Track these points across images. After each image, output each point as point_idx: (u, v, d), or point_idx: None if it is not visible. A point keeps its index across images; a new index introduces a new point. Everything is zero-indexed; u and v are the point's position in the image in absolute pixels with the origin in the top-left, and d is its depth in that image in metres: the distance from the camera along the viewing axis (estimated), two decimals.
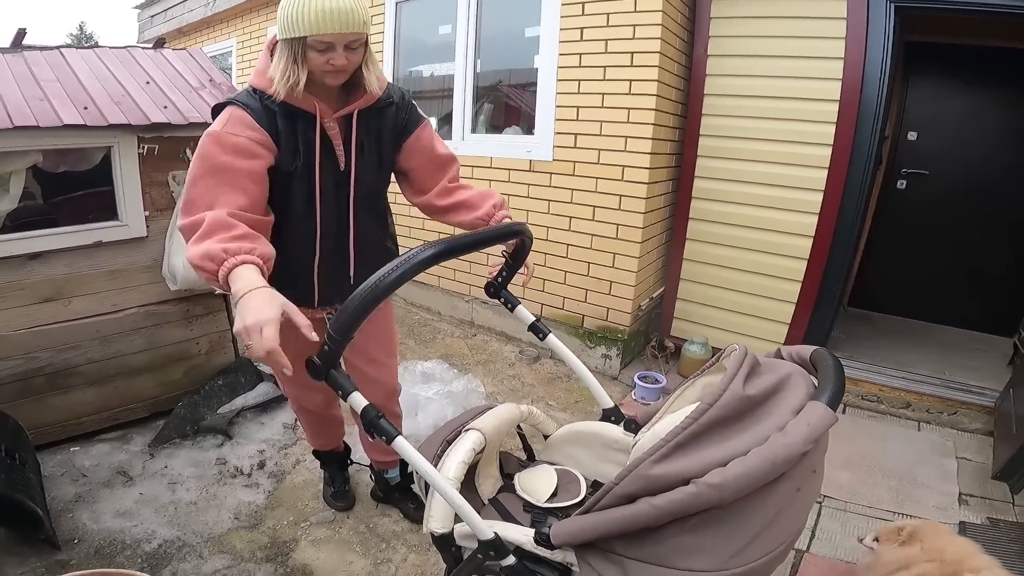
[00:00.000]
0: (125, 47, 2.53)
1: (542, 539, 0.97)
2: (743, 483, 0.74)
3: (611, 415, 1.44)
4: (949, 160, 3.57)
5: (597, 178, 2.99)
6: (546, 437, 1.49)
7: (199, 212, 1.17)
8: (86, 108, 1.96)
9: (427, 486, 1.14)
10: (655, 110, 2.76)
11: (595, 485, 1.42)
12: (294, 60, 1.24)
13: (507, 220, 1.52)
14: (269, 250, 1.18)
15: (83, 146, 2.04)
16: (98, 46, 2.40)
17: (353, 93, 1.39)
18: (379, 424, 0.98)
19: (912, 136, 3.64)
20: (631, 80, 2.78)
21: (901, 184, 3.69)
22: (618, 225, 2.98)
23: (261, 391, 2.67)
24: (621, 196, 2.93)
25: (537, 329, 1.49)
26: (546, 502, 1.30)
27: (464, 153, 3.49)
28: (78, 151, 2.07)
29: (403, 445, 0.99)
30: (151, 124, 2.08)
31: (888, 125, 3.21)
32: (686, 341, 3.16)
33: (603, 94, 2.89)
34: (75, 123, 1.90)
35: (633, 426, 1.36)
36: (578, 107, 2.99)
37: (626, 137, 2.86)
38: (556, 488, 1.33)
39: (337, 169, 1.43)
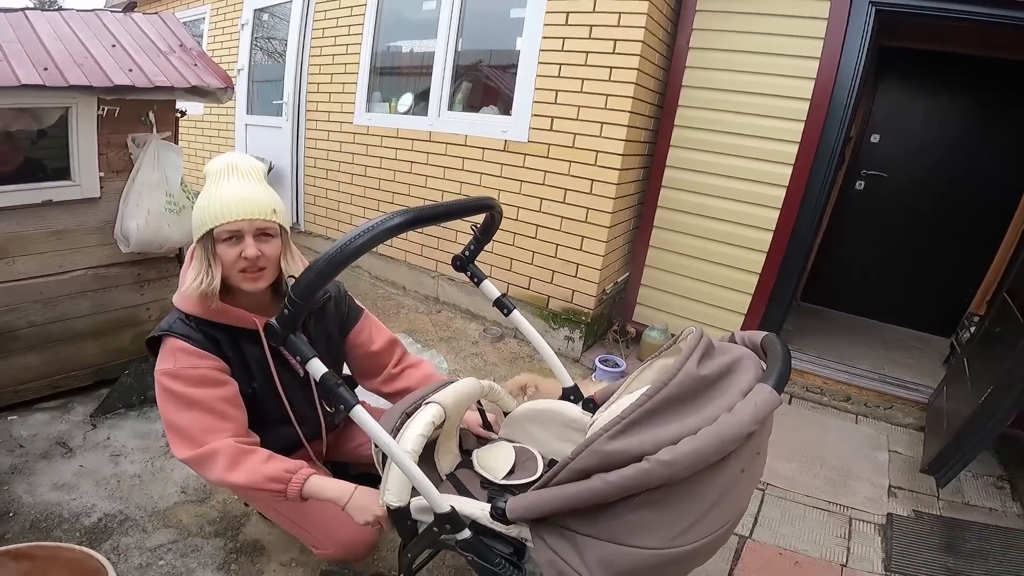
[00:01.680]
0: (92, 10, 2.40)
1: (498, 513, 0.97)
2: (692, 460, 0.76)
3: (570, 394, 1.44)
4: (907, 164, 3.69)
5: (571, 161, 2.99)
6: (506, 414, 1.48)
7: (203, 443, 1.19)
8: (46, 69, 1.86)
9: (384, 458, 1.12)
10: (633, 98, 2.76)
11: (551, 464, 1.41)
12: (206, 260, 1.20)
13: None
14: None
15: (41, 106, 1.95)
16: (63, 9, 2.30)
17: (281, 298, 1.35)
18: (338, 392, 0.96)
19: (875, 139, 3.73)
20: (612, 67, 2.78)
21: (859, 185, 3.79)
22: (588, 209, 2.99)
23: None
24: (593, 180, 2.94)
25: (502, 304, 1.47)
26: (503, 479, 1.29)
27: (439, 130, 3.47)
28: (34, 111, 1.97)
29: (361, 414, 0.98)
30: (114, 86, 1.98)
31: (853, 126, 3.29)
32: (647, 327, 3.21)
33: (583, 79, 2.87)
34: (33, 83, 1.80)
35: (591, 405, 1.36)
36: (557, 91, 2.98)
37: (602, 123, 2.86)
38: (513, 465, 1.33)
39: (297, 376, 1.41)
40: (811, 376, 3.02)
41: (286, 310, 0.89)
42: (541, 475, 1.31)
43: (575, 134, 2.96)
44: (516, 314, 1.48)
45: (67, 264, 2.17)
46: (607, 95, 2.82)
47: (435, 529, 1.04)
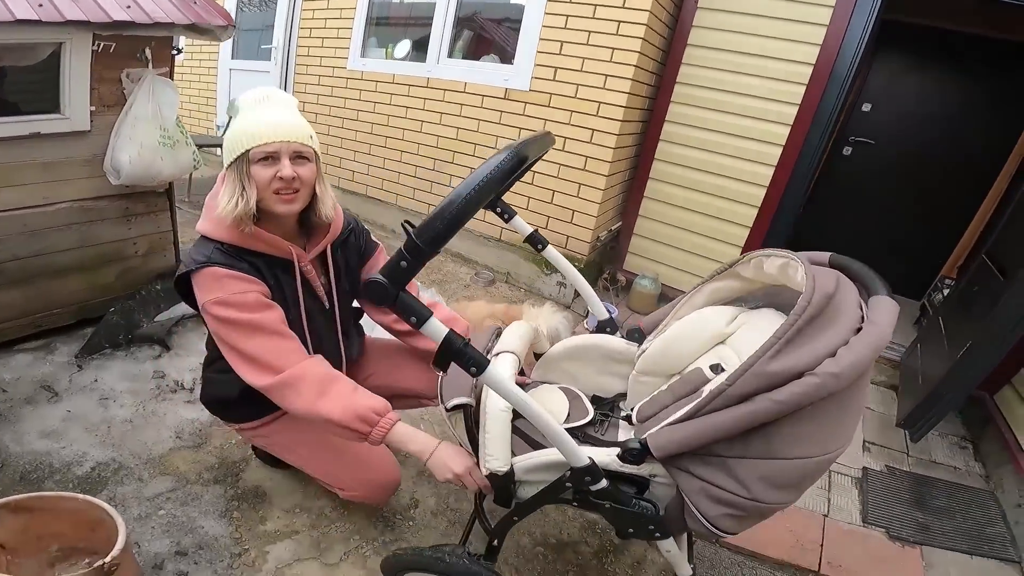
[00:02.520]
0: None
1: (632, 455, 0.94)
2: (855, 370, 0.79)
3: (606, 326, 1.44)
4: (895, 133, 3.76)
5: (572, 111, 2.97)
6: (537, 356, 1.46)
7: (281, 367, 1.15)
8: (41, 5, 1.71)
9: (474, 423, 1.09)
10: (639, 53, 2.75)
11: (595, 400, 1.41)
12: (240, 182, 1.14)
13: None
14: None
15: (35, 41, 1.80)
16: None
17: (316, 229, 1.32)
18: (467, 352, 0.83)
19: (866, 107, 3.78)
20: (620, 21, 2.75)
21: (847, 150, 3.85)
22: (587, 157, 2.99)
23: None
24: (594, 130, 2.93)
25: (535, 240, 1.45)
26: (564, 423, 1.27)
27: (438, 76, 3.37)
28: (26, 45, 1.81)
29: (496, 375, 0.87)
30: (111, 22, 1.84)
31: (849, 94, 3.34)
32: (637, 276, 3.25)
33: (589, 32, 2.85)
34: (28, 18, 1.66)
35: (637, 335, 1.36)
36: (563, 42, 2.95)
37: (606, 75, 2.84)
38: (569, 408, 1.31)
39: (323, 309, 1.38)
40: None
41: (404, 263, 0.73)
42: (596, 414, 1.33)
43: (578, 85, 2.94)
44: (551, 249, 1.46)
45: (52, 196, 2.01)
46: (613, 48, 2.80)
47: (568, 484, 0.99)
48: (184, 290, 1.24)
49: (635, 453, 0.93)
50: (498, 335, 1.28)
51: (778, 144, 2.83)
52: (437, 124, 3.44)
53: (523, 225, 1.45)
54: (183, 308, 2.36)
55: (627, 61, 2.77)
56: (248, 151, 1.12)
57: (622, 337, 1.42)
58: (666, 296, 3.26)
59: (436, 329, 0.80)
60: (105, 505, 1.21)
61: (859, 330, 0.87)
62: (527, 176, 3.14)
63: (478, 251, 3.46)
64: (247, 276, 1.18)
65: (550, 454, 0.99)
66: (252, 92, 1.18)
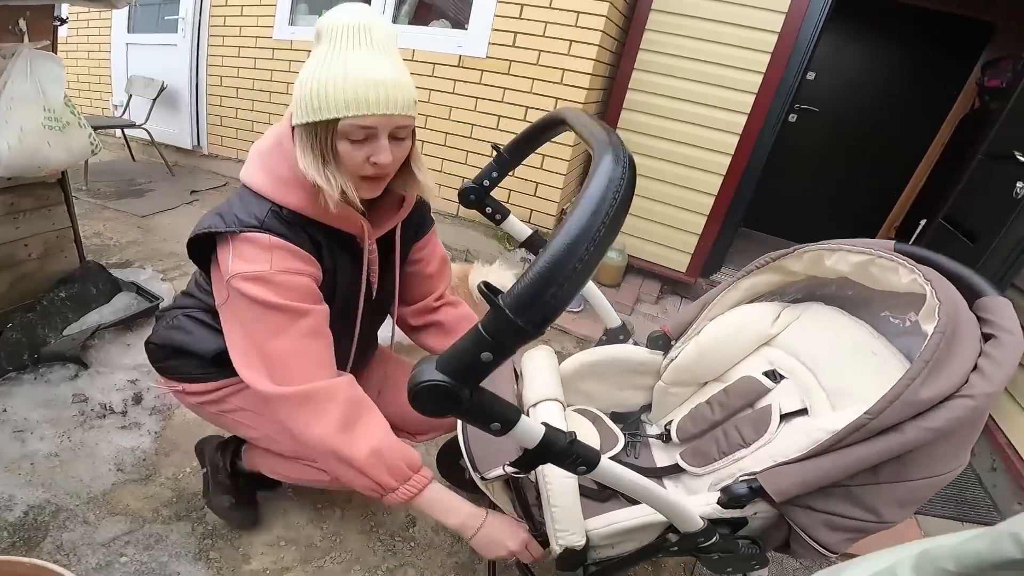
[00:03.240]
0: None
1: (739, 501, 0.80)
2: (1005, 385, 0.73)
3: (619, 335, 1.27)
4: (838, 101, 3.81)
5: (534, 79, 2.74)
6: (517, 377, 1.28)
7: (305, 378, 0.90)
8: None
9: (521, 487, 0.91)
10: (605, 17, 2.55)
11: (614, 416, 1.25)
12: (320, 156, 0.86)
13: None
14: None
15: None
16: None
17: (383, 199, 1.02)
18: (574, 451, 0.60)
19: (811, 76, 3.77)
20: None
21: (792, 117, 3.82)
22: None
23: (121, 304, 2.06)
24: (557, 99, 2.72)
25: (535, 245, 1.24)
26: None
27: None
28: None
29: (613, 470, 0.67)
30: None
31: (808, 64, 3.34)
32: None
33: None
34: None
35: (661, 342, 1.20)
36: (523, 5, 2.68)
37: (571, 41, 2.62)
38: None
39: (369, 298, 1.10)
40: None
41: (486, 353, 0.46)
42: (627, 440, 1.17)
43: (540, 51, 2.70)
44: None
45: None
46: (578, 12, 2.58)
47: (674, 547, 0.84)
48: (199, 253, 0.95)
49: (743, 499, 0.78)
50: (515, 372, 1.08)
51: (743, 112, 2.73)
52: None
53: (520, 227, 1.22)
54: (97, 317, 1.97)
55: (593, 26, 2.55)
56: (337, 120, 0.82)
57: (637, 344, 1.25)
58: (633, 268, 3.16)
59: (530, 430, 0.56)
60: (56, 568, 0.91)
61: (985, 337, 0.76)
62: (485, 149, 2.92)
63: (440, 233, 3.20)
64: (304, 254, 0.91)
65: (636, 517, 0.82)
66: (340, 15, 0.84)
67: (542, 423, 0.57)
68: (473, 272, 2.10)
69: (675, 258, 3.13)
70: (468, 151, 3.00)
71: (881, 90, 3.72)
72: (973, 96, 3.38)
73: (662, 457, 1.19)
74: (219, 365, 1.06)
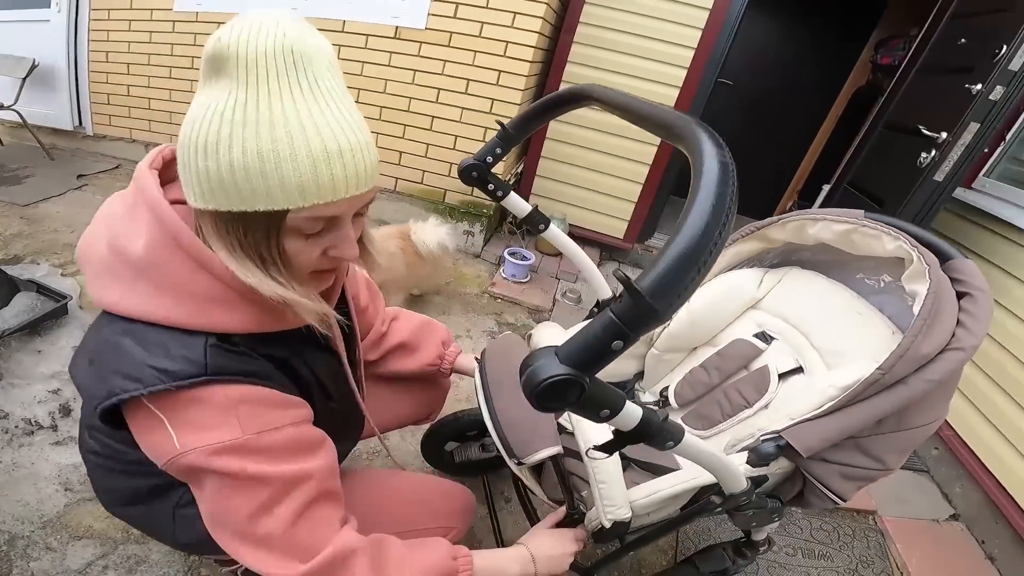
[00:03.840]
0: None
1: (767, 458, 0.83)
2: (983, 336, 0.80)
3: (609, 305, 1.31)
4: (749, 75, 4.04)
5: (476, 51, 2.65)
6: None
7: (318, 546, 0.69)
8: None
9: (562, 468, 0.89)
10: None
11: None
12: (262, 259, 0.62)
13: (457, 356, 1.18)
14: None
15: None
16: None
17: None
18: (666, 428, 0.58)
19: None
20: None
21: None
22: (493, 100, 2.72)
23: (22, 305, 1.82)
24: (501, 72, 2.66)
25: (536, 219, 1.21)
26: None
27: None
28: None
29: (695, 443, 0.65)
30: None
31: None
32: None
33: None
34: None
35: None
36: None
37: (515, 13, 2.55)
38: None
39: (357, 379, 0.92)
40: None
41: (618, 341, 0.43)
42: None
43: (483, 23, 2.60)
44: (553, 228, 1.23)
45: None
46: None
47: (719, 508, 0.85)
48: (114, 420, 0.65)
49: (770, 457, 0.82)
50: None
51: (675, 86, 2.82)
52: None
53: (521, 204, 1.17)
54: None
55: None
56: (285, 213, 0.58)
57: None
58: (574, 236, 3.21)
59: (631, 414, 0.54)
60: None
61: (959, 295, 0.86)
62: (424, 122, 2.84)
63: (372, 206, 3.06)
64: (282, 396, 0.68)
65: (676, 484, 0.85)
66: (256, 30, 0.54)
67: (638, 404, 0.56)
68: (414, 228, 2.19)
69: (614, 225, 3.23)
70: (405, 125, 2.88)
71: (786, 65, 4.00)
72: (866, 71, 3.72)
73: None
74: None
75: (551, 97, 0.93)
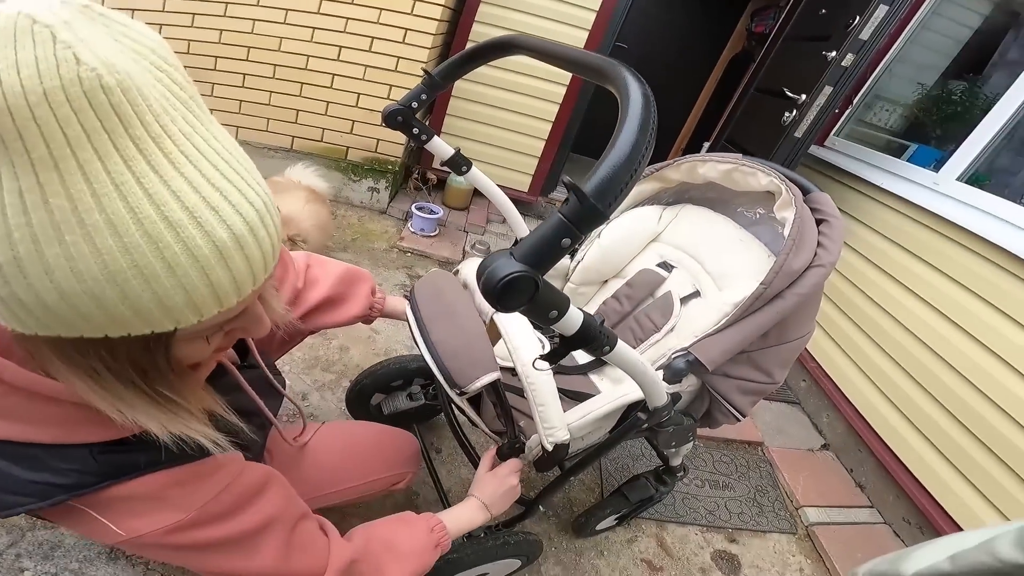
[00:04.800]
0: None
1: (679, 375, 0.90)
2: (839, 255, 0.94)
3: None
4: (641, 38, 4.23)
5: (382, 9, 2.54)
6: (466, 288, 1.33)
7: (320, 567, 0.71)
8: None
9: (501, 394, 0.93)
10: None
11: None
12: (154, 375, 0.49)
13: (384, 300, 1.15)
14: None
15: None
16: None
17: None
18: (604, 331, 0.63)
19: None
20: None
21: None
22: (399, 58, 2.64)
23: None
24: (407, 30, 2.58)
25: (457, 163, 1.25)
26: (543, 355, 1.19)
27: None
28: None
29: (625, 349, 0.70)
30: None
31: None
32: (450, 173, 3.15)
33: None
34: None
35: None
36: None
37: None
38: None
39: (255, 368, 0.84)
40: None
41: (567, 239, 0.48)
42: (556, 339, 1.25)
43: None
44: (475, 170, 1.29)
45: None
46: None
47: (645, 425, 0.91)
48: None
49: (682, 372, 0.91)
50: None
51: (578, 44, 2.91)
52: (188, 27, 2.56)
53: (444, 147, 1.22)
54: None
55: None
56: (172, 332, 0.45)
57: None
58: (479, 191, 3.24)
59: (574, 316, 0.58)
60: None
61: (818, 222, 1.02)
62: (324, 80, 2.72)
63: (265, 165, 2.88)
64: (205, 462, 0.59)
65: (607, 403, 0.91)
66: (23, 49, 0.32)
67: (577, 308, 0.60)
68: (293, 175, 2.21)
69: (518, 179, 3.32)
70: (303, 83, 2.71)
71: (676, 31, 4.24)
72: (743, 39, 4.03)
73: (580, 354, 1.30)
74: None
75: (477, 46, 0.97)
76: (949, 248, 1.88)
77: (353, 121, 2.82)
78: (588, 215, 0.48)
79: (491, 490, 0.98)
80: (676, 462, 1.35)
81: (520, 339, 0.87)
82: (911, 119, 2.77)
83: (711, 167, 1.17)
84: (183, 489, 0.57)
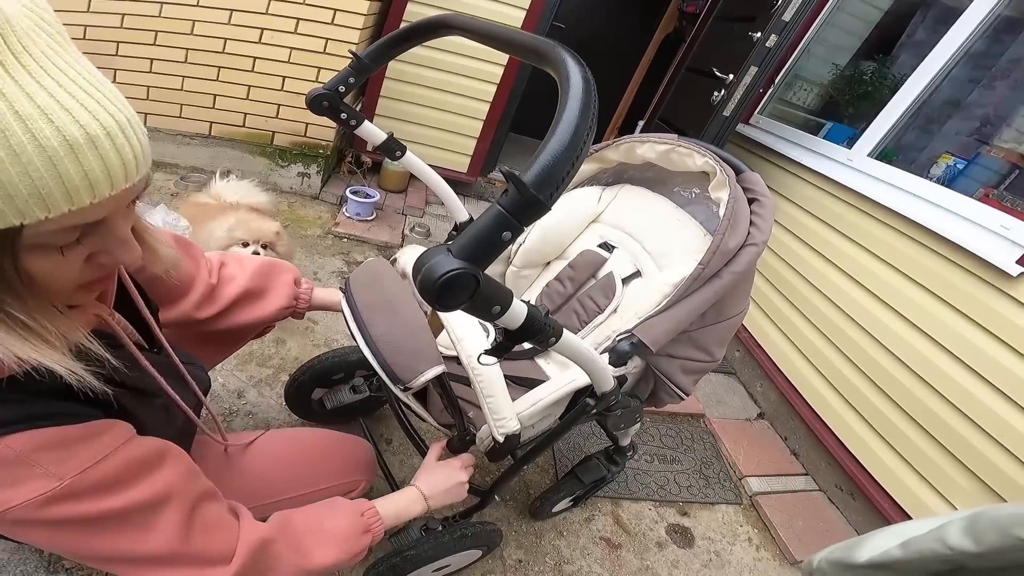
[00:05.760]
0: None
1: (624, 357, 0.89)
2: (770, 234, 0.96)
3: (465, 227, 1.33)
4: (577, 18, 4.22)
5: None
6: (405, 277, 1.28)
7: (227, 548, 0.65)
8: None
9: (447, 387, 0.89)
10: None
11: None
12: (3, 288, 0.45)
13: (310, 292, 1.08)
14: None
15: None
16: None
17: None
18: (549, 322, 0.61)
19: None
20: None
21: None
22: (328, 39, 2.50)
23: None
24: (336, 10, 2.44)
25: (391, 147, 1.19)
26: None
27: None
28: None
29: (571, 338, 0.69)
30: None
31: None
32: (386, 156, 3.06)
33: None
34: None
35: None
36: None
37: None
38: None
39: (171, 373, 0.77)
40: None
41: (508, 232, 0.45)
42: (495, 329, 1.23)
43: None
44: (410, 155, 1.23)
45: None
46: None
47: (593, 410, 0.89)
48: None
49: (627, 355, 0.90)
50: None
51: (514, 27, 2.84)
52: (86, 12, 2.31)
53: (376, 132, 1.16)
54: None
55: None
56: (19, 228, 0.42)
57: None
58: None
59: (518, 310, 0.55)
60: None
61: (751, 201, 1.03)
62: (244, 63, 2.54)
63: (181, 152, 2.68)
64: (88, 426, 0.54)
65: (554, 391, 0.90)
66: None
67: (521, 300, 0.58)
68: (221, 193, 1.90)
69: (457, 160, 3.26)
70: (220, 67, 2.52)
71: (609, 11, 4.24)
72: (674, 19, 4.08)
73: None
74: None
75: (409, 27, 0.92)
76: (862, 220, 1.99)
77: (279, 105, 2.65)
78: (529, 206, 0.45)
79: (436, 483, 0.96)
80: (625, 442, 1.37)
81: (463, 330, 0.85)
82: (826, 98, 2.91)
83: (649, 148, 1.17)
84: (53, 454, 0.51)
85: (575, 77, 0.52)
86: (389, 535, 1.08)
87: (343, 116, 1.07)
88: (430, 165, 1.27)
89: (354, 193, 2.68)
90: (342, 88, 1.02)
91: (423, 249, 0.98)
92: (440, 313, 0.86)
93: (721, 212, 0.96)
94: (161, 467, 0.61)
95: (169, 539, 0.59)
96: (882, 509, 1.68)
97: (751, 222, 0.97)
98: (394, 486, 1.30)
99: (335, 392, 1.45)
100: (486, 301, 0.50)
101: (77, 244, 0.48)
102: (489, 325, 0.90)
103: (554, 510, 1.50)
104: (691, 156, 1.09)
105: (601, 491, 1.63)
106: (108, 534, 0.56)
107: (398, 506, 0.91)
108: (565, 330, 0.65)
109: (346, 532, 0.80)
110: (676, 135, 1.15)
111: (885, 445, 1.74)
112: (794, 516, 1.77)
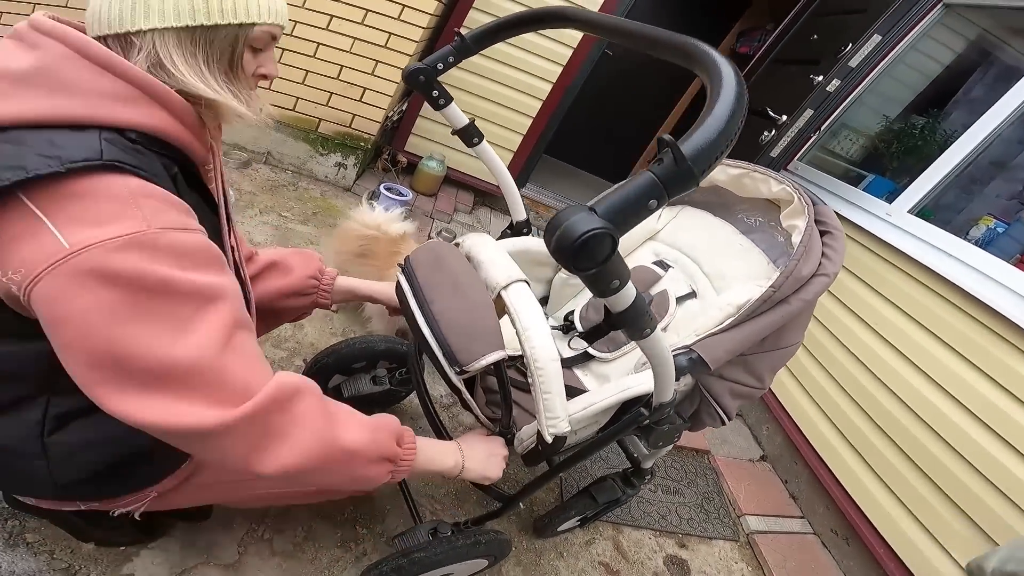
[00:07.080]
0: None
1: (679, 373, 0.85)
2: (841, 266, 0.94)
3: (523, 228, 1.28)
4: (624, 48, 4.17)
5: None
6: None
7: (252, 386, 0.60)
8: None
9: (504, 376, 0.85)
10: None
11: None
12: (230, 71, 0.68)
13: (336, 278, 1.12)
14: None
15: None
16: None
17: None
18: (649, 310, 0.60)
19: None
20: None
21: None
22: (391, 34, 2.50)
23: None
24: (404, 6, 2.45)
25: (470, 133, 1.15)
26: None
27: None
28: None
29: (660, 334, 0.65)
30: None
31: None
32: (423, 157, 3.05)
33: None
34: None
35: None
36: None
37: None
38: None
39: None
40: (543, 207, 3.66)
41: (654, 200, 0.44)
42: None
43: None
44: (485, 144, 1.20)
45: None
46: None
47: (646, 422, 0.86)
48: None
49: (684, 370, 0.86)
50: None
51: (570, 46, 2.87)
52: None
53: (459, 115, 1.13)
54: None
55: None
56: (253, 26, 0.66)
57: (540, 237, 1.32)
58: (450, 179, 3.15)
59: (630, 291, 0.53)
60: None
61: (823, 233, 1.01)
62: (307, 48, 2.55)
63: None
64: (179, 202, 0.59)
65: (608, 397, 0.86)
66: None
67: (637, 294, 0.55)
68: (361, 220, 1.83)
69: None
70: (285, 49, 2.52)
71: None
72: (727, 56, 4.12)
73: (564, 348, 1.22)
74: (164, 453, 0.72)
75: (522, 13, 0.93)
76: (895, 276, 1.94)
77: (331, 93, 2.64)
78: (682, 177, 0.44)
79: (476, 448, 0.92)
80: (649, 464, 1.32)
81: (532, 319, 0.78)
82: (870, 149, 2.87)
83: (721, 170, 1.15)
84: (157, 204, 0.55)
85: (726, 71, 0.51)
86: (393, 536, 1.05)
87: (434, 94, 1.06)
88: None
89: (387, 189, 2.66)
90: (440, 66, 1.02)
91: (488, 237, 0.97)
92: (507, 299, 0.82)
93: (796, 240, 0.94)
94: (223, 271, 0.62)
95: (203, 345, 0.56)
96: (877, 554, 1.65)
97: (823, 253, 0.95)
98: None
99: (354, 380, 1.39)
100: (611, 272, 0.48)
101: (260, 52, 0.70)
102: (553, 320, 0.88)
103: (559, 528, 1.45)
104: (766, 183, 1.07)
105: (605, 515, 1.59)
106: (151, 320, 0.54)
107: (433, 448, 0.87)
108: (659, 328, 0.62)
109: (380, 428, 0.76)
110: (750, 163, 1.14)
111: (887, 491, 1.71)
112: (788, 557, 1.74)
